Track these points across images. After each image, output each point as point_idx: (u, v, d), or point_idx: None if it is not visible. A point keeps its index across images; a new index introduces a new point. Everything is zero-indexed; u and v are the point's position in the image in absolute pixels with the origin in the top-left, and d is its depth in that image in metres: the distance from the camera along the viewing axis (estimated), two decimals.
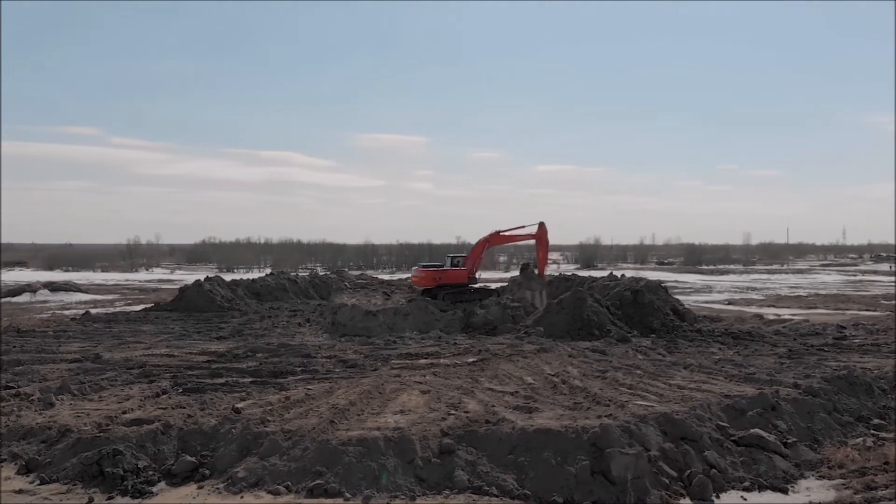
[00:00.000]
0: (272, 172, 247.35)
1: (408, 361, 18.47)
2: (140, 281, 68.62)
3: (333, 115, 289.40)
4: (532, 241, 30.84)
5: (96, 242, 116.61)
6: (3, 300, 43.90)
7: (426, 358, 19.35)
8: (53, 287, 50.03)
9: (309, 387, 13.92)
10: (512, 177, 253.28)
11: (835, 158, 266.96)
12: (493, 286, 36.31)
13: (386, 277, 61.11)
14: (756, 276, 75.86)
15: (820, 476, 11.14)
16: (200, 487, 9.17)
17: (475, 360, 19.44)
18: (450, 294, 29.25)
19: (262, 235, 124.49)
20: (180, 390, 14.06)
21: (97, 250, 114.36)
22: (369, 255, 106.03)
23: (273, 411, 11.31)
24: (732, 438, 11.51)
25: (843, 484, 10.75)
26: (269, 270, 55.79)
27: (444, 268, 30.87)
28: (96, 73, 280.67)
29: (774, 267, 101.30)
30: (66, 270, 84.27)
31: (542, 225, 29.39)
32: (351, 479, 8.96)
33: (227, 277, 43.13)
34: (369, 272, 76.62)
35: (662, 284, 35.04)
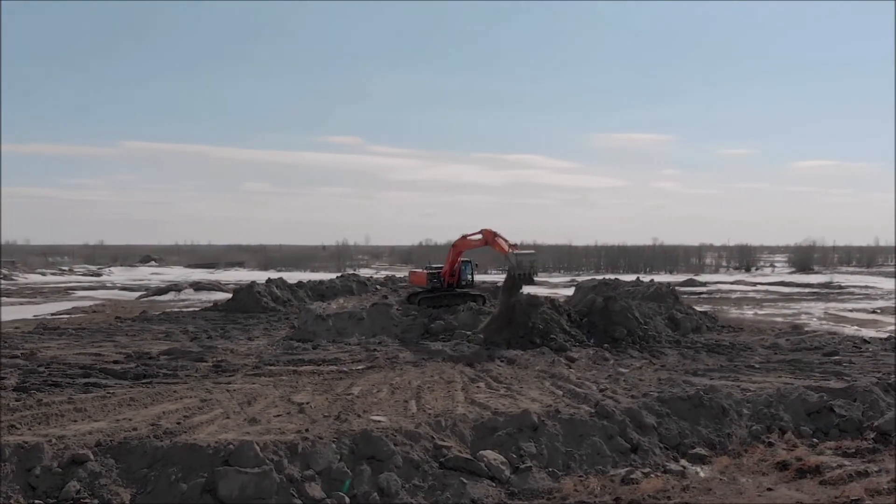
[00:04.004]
0: (516, 175, 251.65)
1: (288, 367, 18.53)
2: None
3: (573, 115, 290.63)
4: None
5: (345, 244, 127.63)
6: (151, 298, 48.08)
7: (319, 364, 19.27)
8: (198, 287, 53.66)
9: (110, 391, 14.38)
10: (766, 174, 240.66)
11: None
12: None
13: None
14: None
15: None
16: None
17: (363, 368, 19.14)
18: (425, 298, 28.82)
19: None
20: (11, 389, 15.00)
21: (306, 252, 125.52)
22: (563, 255, 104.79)
23: (9, 411, 11.93)
24: (441, 460, 10.68)
25: None
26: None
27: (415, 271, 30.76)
28: (359, 84, 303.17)
29: None
30: (279, 271, 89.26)
31: (483, 231, 27.93)
32: None
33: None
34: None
35: (676, 290, 32.85)
